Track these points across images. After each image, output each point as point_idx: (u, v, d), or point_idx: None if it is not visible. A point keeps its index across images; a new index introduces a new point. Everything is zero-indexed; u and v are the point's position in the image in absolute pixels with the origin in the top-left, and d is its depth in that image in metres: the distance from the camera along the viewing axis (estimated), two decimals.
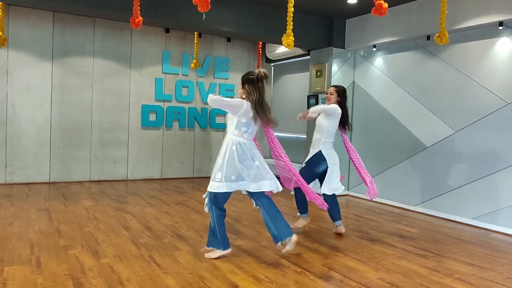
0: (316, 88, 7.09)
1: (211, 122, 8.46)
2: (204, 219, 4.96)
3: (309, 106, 7.22)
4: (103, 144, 7.48)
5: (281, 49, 8.07)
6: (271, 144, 3.81)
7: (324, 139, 4.49)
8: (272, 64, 9.03)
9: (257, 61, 8.58)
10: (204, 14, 3.43)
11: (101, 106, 7.43)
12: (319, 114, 4.55)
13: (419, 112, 5.85)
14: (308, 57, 7.82)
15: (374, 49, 6.51)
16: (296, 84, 8.43)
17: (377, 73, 6.56)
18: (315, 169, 4.48)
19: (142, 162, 7.82)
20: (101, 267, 3.27)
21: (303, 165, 4.59)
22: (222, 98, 3.52)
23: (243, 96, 3.62)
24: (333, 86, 4.62)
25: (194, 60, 6.98)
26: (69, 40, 7.15)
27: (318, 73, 7.04)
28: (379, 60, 6.54)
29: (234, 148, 3.49)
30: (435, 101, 5.64)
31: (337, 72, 7.03)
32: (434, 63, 5.66)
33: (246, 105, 3.51)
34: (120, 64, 7.58)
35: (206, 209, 3.65)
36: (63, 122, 7.16)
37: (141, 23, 4.33)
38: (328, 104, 4.51)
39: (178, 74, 8.11)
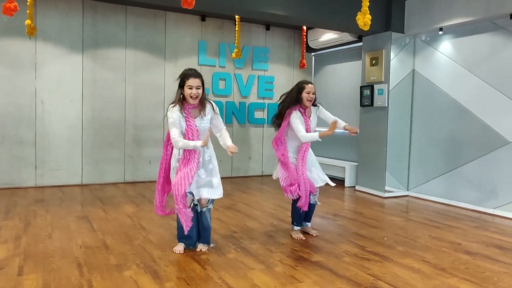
0: (371, 78, 6.40)
1: (249, 117, 7.84)
2: (264, 227, 4.36)
3: (362, 97, 6.56)
4: (137, 143, 6.93)
5: (327, 37, 7.39)
6: None
7: None
8: (313, 53, 8.36)
9: (301, 50, 7.93)
10: None
11: (135, 102, 6.88)
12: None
13: (499, 102, 5.13)
14: (356, 44, 7.17)
15: (441, 32, 5.79)
16: (341, 75, 7.76)
17: (444, 60, 5.84)
18: None
19: None
20: None
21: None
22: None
23: (196, 98, 3.34)
24: (311, 83, 3.98)
25: (236, 49, 6.36)
26: (101, 29, 6.59)
27: (373, 61, 6.35)
28: (446, 45, 5.82)
29: None
30: None
31: (393, 60, 6.35)
32: None
33: None
34: (154, 56, 7.00)
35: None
36: (95, 120, 6.63)
37: (194, 3, 3.73)
38: (311, 104, 3.98)
39: (215, 66, 7.51)
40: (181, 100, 3.34)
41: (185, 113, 3.33)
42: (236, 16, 6.35)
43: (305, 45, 7.33)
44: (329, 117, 4.08)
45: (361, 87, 6.59)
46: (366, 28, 3.85)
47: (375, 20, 6.12)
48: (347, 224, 4.63)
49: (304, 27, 7.11)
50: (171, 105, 3.37)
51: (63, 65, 6.38)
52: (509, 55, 5.05)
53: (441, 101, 5.87)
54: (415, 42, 6.28)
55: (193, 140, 3.30)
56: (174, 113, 3.30)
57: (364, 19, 3.81)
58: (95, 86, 6.59)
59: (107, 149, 6.71)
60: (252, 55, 7.80)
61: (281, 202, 5.65)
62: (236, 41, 6.40)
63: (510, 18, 4.93)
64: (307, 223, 4.19)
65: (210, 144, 3.51)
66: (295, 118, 3.88)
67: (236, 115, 7.71)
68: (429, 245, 3.90)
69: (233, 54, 6.43)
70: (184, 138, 3.30)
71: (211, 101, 3.53)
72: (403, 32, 6.17)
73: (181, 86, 3.35)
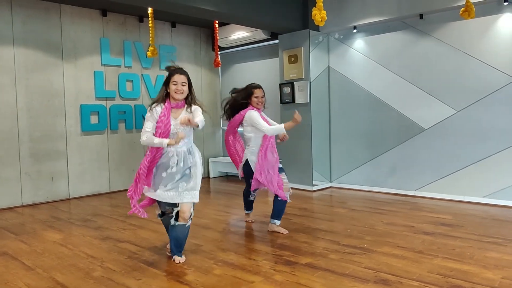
0: (291, 76, 6.49)
1: None
2: (224, 235, 4.06)
3: (282, 95, 6.62)
4: (35, 157, 5.88)
5: (238, 35, 7.27)
6: None
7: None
8: (219, 52, 8.16)
9: (206, 48, 7.66)
10: None
11: (29, 109, 5.82)
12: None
13: (413, 94, 5.66)
14: (268, 42, 7.23)
15: (355, 30, 6.15)
16: (252, 73, 7.72)
17: (358, 56, 6.22)
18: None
19: (86, 175, 6.38)
20: None
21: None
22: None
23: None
24: (259, 87, 4.30)
25: (151, 48, 5.82)
26: None
27: (292, 59, 6.46)
28: (359, 42, 6.21)
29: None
30: (431, 82, 5.49)
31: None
32: (428, 42, 5.50)
33: None
34: (49, 55, 6.02)
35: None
36: None
37: None
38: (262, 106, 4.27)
39: (120, 66, 6.80)
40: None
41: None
42: (149, 10, 5.82)
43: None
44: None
45: (280, 84, 6.65)
46: (322, 24, 3.86)
47: (293, 19, 6.26)
48: (302, 221, 4.59)
49: (216, 25, 6.88)
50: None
51: None
52: (418, 50, 5.60)
53: (358, 95, 6.25)
54: (328, 40, 6.57)
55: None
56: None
57: (320, 15, 3.81)
58: None
59: None
60: (159, 54, 7.27)
61: (220, 206, 5.37)
62: (150, 38, 5.86)
63: (420, 18, 5.47)
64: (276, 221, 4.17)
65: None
66: (256, 116, 4.08)
67: None
68: (389, 231, 4.09)
69: (148, 52, 5.88)
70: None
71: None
72: (318, 31, 6.40)
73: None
